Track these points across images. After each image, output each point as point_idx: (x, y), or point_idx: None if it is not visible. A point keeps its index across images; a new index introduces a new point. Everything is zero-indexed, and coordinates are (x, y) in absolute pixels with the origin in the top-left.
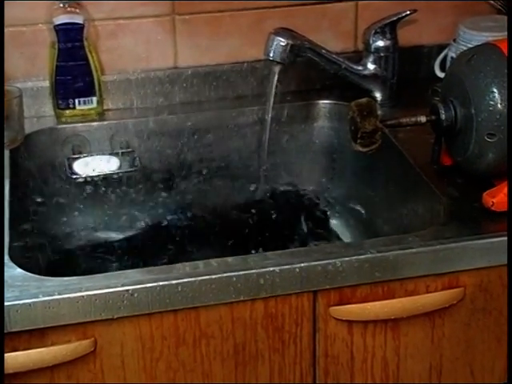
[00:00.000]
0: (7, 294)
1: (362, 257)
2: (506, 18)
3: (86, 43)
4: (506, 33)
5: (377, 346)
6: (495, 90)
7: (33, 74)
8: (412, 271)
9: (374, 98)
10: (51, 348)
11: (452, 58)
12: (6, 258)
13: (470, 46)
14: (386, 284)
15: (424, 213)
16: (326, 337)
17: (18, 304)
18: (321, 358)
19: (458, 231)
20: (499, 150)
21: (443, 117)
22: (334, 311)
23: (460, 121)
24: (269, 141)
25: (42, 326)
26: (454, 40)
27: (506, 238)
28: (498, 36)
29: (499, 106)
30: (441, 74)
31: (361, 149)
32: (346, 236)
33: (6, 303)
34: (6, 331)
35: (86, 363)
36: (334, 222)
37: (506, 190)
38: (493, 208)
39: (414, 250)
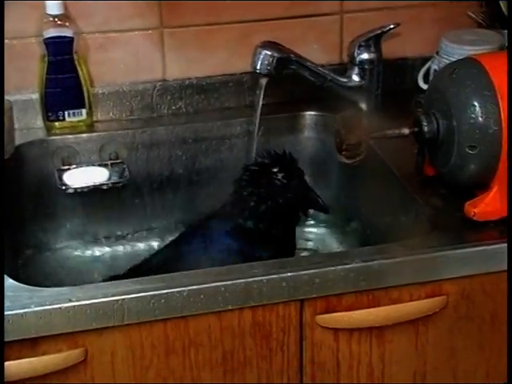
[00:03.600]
0: None
1: (348, 266)
2: (486, 31)
3: (75, 56)
4: (486, 46)
5: (362, 353)
6: (476, 104)
7: (23, 86)
8: (396, 280)
9: (359, 110)
10: (42, 357)
11: (435, 70)
12: None
13: (452, 58)
14: (371, 292)
15: (408, 222)
16: (312, 344)
17: (10, 314)
18: (307, 365)
19: (441, 240)
20: (480, 161)
21: (426, 129)
22: (321, 319)
23: (442, 133)
24: (256, 151)
25: (34, 336)
26: (437, 53)
27: (487, 247)
28: (479, 49)
29: (480, 118)
30: (424, 86)
31: (346, 160)
32: (331, 245)
33: None
34: None
35: (77, 372)
36: (320, 232)
37: (487, 200)
38: (475, 218)
39: (398, 260)
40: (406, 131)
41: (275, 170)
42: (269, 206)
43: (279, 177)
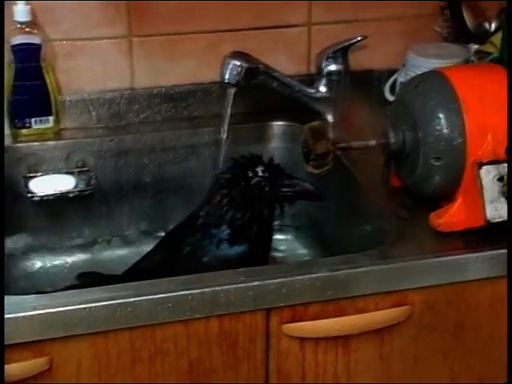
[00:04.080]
0: None
1: (314, 275)
2: (451, 45)
3: (43, 63)
4: (451, 60)
5: (328, 362)
6: (441, 116)
7: None
8: (362, 289)
9: (326, 121)
10: (7, 366)
11: (401, 82)
12: None
13: (418, 71)
14: (337, 302)
15: (374, 233)
16: (278, 353)
17: None
18: (274, 374)
19: (406, 251)
20: (445, 173)
21: (392, 140)
22: (287, 328)
23: (408, 144)
24: (224, 161)
25: None
26: (404, 65)
27: (451, 258)
28: (444, 63)
29: (445, 130)
30: (391, 98)
31: (313, 170)
32: (298, 255)
33: None
34: None
35: (42, 381)
36: (287, 241)
37: (451, 211)
38: (439, 228)
39: (363, 269)
40: (373, 142)
41: (256, 168)
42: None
43: (260, 173)
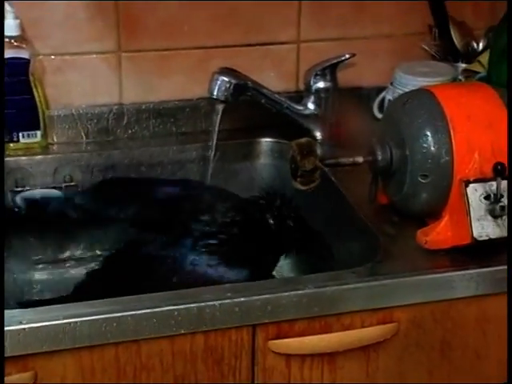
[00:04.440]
0: None
1: (300, 292)
2: (439, 63)
3: (31, 78)
4: (439, 78)
5: (314, 379)
6: (428, 134)
7: None
8: (348, 306)
9: (314, 138)
10: None
11: (389, 100)
12: None
13: (406, 89)
14: (324, 318)
15: (361, 250)
16: (264, 370)
17: None
18: None
19: (393, 268)
20: (432, 190)
21: (379, 157)
22: (273, 345)
23: (395, 162)
24: (211, 177)
25: None
26: (391, 83)
27: (438, 275)
28: (432, 81)
29: (432, 148)
30: (379, 115)
31: (300, 186)
32: (284, 271)
33: None
34: None
35: None
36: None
37: (438, 228)
38: (426, 246)
39: (350, 286)
40: (360, 159)
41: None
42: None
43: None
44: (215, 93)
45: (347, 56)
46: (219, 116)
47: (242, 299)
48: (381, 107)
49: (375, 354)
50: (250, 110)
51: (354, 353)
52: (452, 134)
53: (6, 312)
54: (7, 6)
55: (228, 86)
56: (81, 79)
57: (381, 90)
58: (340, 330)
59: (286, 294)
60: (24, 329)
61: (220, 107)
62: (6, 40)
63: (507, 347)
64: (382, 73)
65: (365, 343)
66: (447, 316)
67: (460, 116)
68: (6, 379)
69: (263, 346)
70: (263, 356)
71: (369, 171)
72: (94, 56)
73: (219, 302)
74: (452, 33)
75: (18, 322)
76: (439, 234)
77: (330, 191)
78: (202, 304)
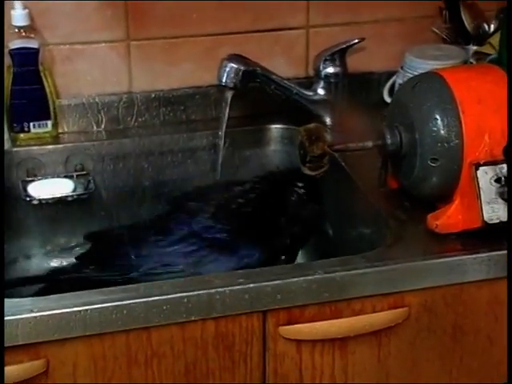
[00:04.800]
0: None
1: (310, 277)
2: (450, 46)
3: (41, 67)
4: (450, 61)
5: (325, 365)
6: (438, 117)
7: None
8: (358, 291)
9: (324, 123)
10: (5, 368)
11: (400, 84)
12: None
13: (416, 73)
14: (334, 304)
15: (371, 234)
16: (275, 356)
17: None
18: (270, 376)
19: (404, 252)
20: (442, 174)
21: (389, 142)
22: (283, 331)
23: (405, 146)
24: (222, 164)
25: None
26: (402, 67)
27: (449, 259)
28: (443, 64)
29: (441, 131)
30: (389, 100)
31: (309, 172)
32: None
33: None
34: None
35: (38, 383)
36: None
37: (449, 212)
38: (437, 230)
39: (360, 271)
40: (370, 144)
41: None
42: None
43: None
44: (224, 80)
45: (356, 40)
46: (228, 103)
47: (252, 285)
48: (391, 92)
49: (386, 339)
50: (260, 97)
51: (365, 338)
52: (462, 116)
53: (18, 300)
54: None
55: (237, 72)
56: (90, 68)
57: (391, 74)
58: (351, 315)
59: (296, 279)
60: (35, 317)
61: (229, 94)
62: (16, 30)
63: (507, 347)
64: (392, 57)
65: (376, 328)
66: (459, 300)
67: (470, 99)
68: (18, 367)
69: (274, 332)
70: (274, 342)
71: (378, 156)
72: (103, 45)
73: (229, 288)
74: (462, 15)
75: (29, 310)
76: (450, 217)
77: (340, 176)
78: (212, 291)
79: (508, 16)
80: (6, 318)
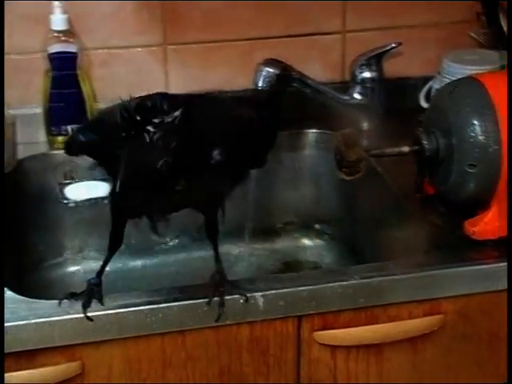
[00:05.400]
0: None
1: (346, 283)
2: (487, 51)
3: (79, 71)
4: (487, 66)
5: (360, 371)
6: (476, 122)
7: (27, 100)
8: (394, 297)
9: (360, 128)
10: (41, 370)
11: (436, 89)
12: None
13: (454, 78)
14: (370, 310)
15: (406, 240)
16: (309, 361)
17: (9, 326)
18: (304, 381)
19: (440, 259)
20: (480, 180)
21: (426, 147)
22: (318, 336)
23: (442, 151)
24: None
25: (32, 348)
26: (439, 72)
27: (485, 266)
28: (480, 69)
29: (480, 137)
30: (426, 105)
31: (345, 177)
32: (329, 262)
33: None
34: None
35: None
36: (319, 248)
37: (486, 219)
38: (474, 236)
39: (396, 277)
40: (406, 149)
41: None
42: None
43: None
44: (260, 84)
45: (393, 45)
46: None
47: (287, 290)
48: (427, 97)
49: (422, 346)
50: (295, 101)
51: (401, 344)
52: (500, 122)
53: (55, 302)
54: (56, 1)
55: (273, 77)
56: (127, 72)
57: (427, 79)
58: (386, 322)
59: (332, 284)
60: (71, 319)
61: None
62: (55, 34)
63: (507, 347)
64: (429, 62)
65: (411, 335)
66: (495, 307)
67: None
68: (55, 368)
69: (309, 338)
70: (308, 347)
71: (414, 161)
72: (140, 49)
73: (264, 293)
74: (501, 19)
75: (66, 312)
76: (487, 224)
77: (376, 181)
78: (248, 295)
79: (508, 16)
80: (43, 320)
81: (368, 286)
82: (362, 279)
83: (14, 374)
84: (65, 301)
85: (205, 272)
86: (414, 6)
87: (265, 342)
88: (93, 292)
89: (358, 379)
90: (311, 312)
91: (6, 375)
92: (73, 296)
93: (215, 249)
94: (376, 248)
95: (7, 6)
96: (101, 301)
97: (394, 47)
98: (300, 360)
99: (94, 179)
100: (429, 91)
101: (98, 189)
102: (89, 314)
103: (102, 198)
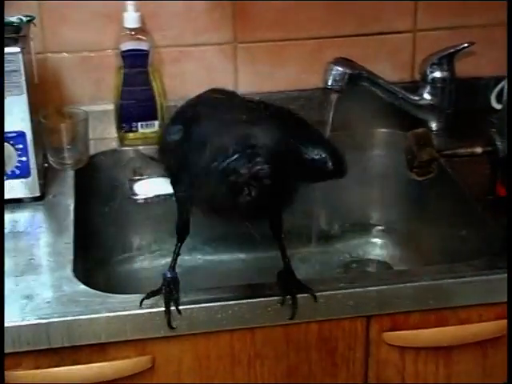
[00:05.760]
0: (71, 308)
1: (416, 284)
2: None
3: (150, 69)
4: None
5: (428, 373)
6: None
7: (98, 97)
8: (465, 300)
9: (430, 128)
10: (112, 363)
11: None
12: (70, 273)
13: None
14: (439, 312)
15: (477, 242)
16: (378, 362)
17: (81, 319)
18: (372, 381)
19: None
20: None
21: (500, 148)
22: (387, 337)
23: None
24: None
25: (103, 341)
26: None
27: None
28: None
29: None
30: (497, 106)
31: (417, 177)
32: (398, 263)
33: (69, 318)
34: (69, 345)
35: (144, 379)
36: (387, 248)
37: None
38: None
39: (467, 279)
40: (479, 150)
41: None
42: None
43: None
44: (330, 83)
45: (465, 45)
46: (333, 106)
47: (357, 290)
48: (499, 97)
49: (493, 350)
50: (365, 100)
51: (471, 347)
52: None
53: (127, 297)
54: (129, 0)
55: (343, 75)
56: (197, 70)
57: (499, 79)
58: (456, 324)
59: (402, 285)
60: (143, 313)
61: (334, 97)
62: (127, 32)
63: (507, 347)
64: (501, 62)
65: (481, 338)
66: None
67: None
68: (127, 362)
69: (377, 338)
70: (377, 348)
71: (486, 163)
72: (211, 47)
73: (334, 292)
74: None
75: (138, 306)
76: None
77: (446, 182)
78: (317, 294)
79: (508, 16)
80: (115, 314)
81: (438, 288)
82: (432, 281)
83: (87, 366)
84: (136, 295)
85: (270, 271)
86: (485, 5)
87: (333, 342)
88: (171, 290)
89: (427, 381)
90: (380, 312)
91: (78, 367)
92: (153, 294)
93: (282, 248)
94: (445, 249)
95: (81, 3)
96: (177, 301)
97: (466, 47)
98: (368, 360)
99: (163, 176)
100: (501, 91)
101: (167, 185)
102: (160, 309)
103: (171, 195)
